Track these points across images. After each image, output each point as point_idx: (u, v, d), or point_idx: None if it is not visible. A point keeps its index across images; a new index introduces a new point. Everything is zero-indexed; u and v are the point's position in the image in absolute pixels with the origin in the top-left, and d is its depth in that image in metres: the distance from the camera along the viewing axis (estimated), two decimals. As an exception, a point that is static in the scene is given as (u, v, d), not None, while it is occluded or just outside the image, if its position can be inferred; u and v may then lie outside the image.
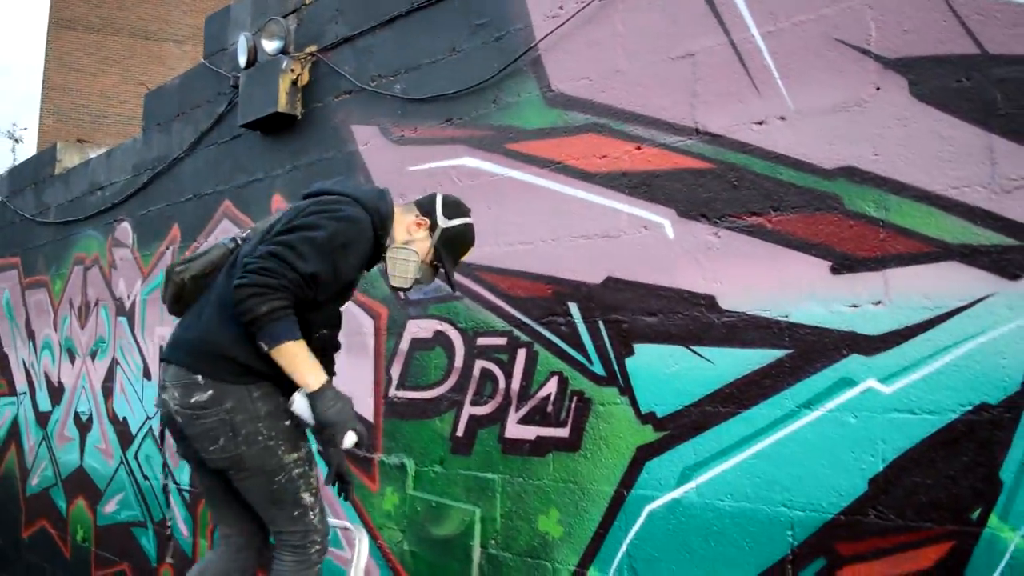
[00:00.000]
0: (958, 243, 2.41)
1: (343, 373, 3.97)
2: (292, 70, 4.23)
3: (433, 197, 2.84)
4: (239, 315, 2.40)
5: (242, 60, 4.43)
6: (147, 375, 5.58)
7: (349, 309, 3.94)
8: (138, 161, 5.83)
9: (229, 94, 4.80)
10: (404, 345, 3.78)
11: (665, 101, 2.97)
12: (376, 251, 2.70)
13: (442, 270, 2.85)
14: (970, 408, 2.37)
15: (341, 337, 3.98)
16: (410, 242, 2.73)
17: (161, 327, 5.38)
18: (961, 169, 2.41)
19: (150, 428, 5.49)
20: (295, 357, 2.46)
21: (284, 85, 4.22)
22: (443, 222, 2.78)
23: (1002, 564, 2.32)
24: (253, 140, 4.67)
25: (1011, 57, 2.35)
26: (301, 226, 2.49)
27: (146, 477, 5.57)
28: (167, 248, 5.42)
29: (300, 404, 2.51)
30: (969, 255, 2.39)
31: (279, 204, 4.42)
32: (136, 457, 5.64)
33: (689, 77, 2.93)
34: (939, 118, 2.45)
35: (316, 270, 2.45)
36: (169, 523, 5.29)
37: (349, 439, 2.53)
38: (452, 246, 2.81)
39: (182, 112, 5.40)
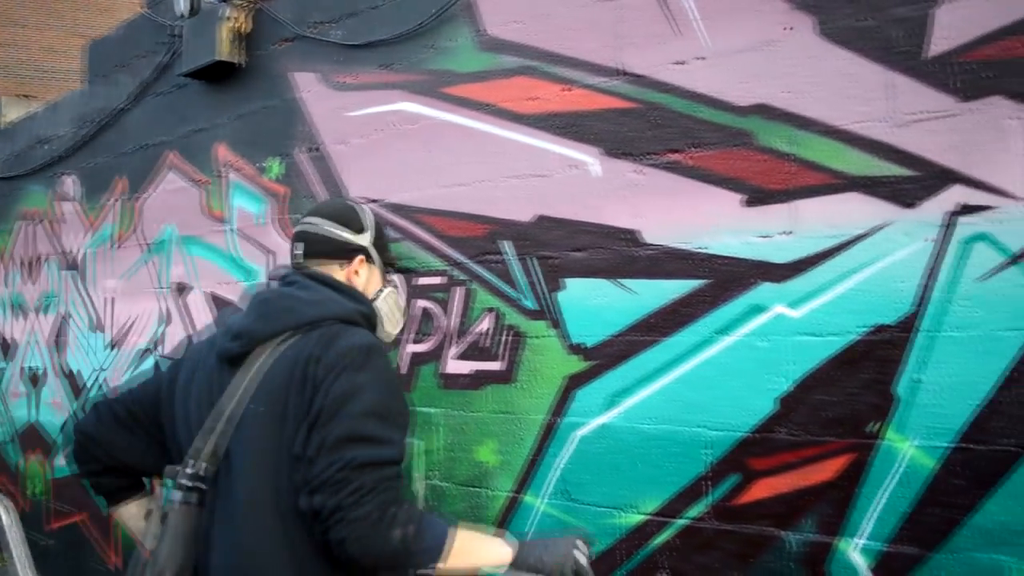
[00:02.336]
0: (860, 175, 2.56)
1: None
2: (233, 18, 4.26)
3: (324, 233, 2.18)
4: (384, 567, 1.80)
5: (183, 9, 4.45)
6: (98, 328, 5.62)
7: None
8: (83, 113, 5.81)
9: (171, 44, 4.81)
10: (347, 287, 3.86)
11: (592, 44, 3.08)
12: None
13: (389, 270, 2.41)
14: (869, 329, 2.54)
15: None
16: (371, 292, 2.24)
17: (109, 279, 5.42)
18: (864, 105, 2.56)
19: (104, 379, 5.53)
20: (468, 550, 1.87)
21: (226, 33, 4.24)
22: (366, 240, 2.23)
23: (897, 471, 2.51)
24: (196, 90, 4.69)
25: (909, -3, 2.49)
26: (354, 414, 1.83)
27: (98, 427, 5.62)
28: (114, 201, 5.43)
29: None
30: (870, 186, 2.54)
31: (223, 154, 4.47)
32: (84, 408, 5.70)
33: (615, 20, 3.03)
34: (845, 56, 2.59)
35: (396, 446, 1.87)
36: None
37: (580, 558, 2.04)
38: (383, 248, 2.34)
39: (125, 63, 5.39)
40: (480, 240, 3.36)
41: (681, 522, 2.88)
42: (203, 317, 4.60)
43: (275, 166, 4.17)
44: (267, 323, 1.95)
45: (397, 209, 3.63)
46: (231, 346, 1.96)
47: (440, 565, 1.78)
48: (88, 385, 5.72)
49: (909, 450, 2.49)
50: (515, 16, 3.27)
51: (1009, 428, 2.34)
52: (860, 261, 2.56)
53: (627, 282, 2.98)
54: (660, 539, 2.93)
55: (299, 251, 2.15)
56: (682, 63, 2.88)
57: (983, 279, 2.38)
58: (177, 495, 1.86)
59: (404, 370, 3.65)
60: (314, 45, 4.00)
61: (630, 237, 2.97)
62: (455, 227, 3.45)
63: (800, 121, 2.65)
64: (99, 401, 2.28)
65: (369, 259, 2.21)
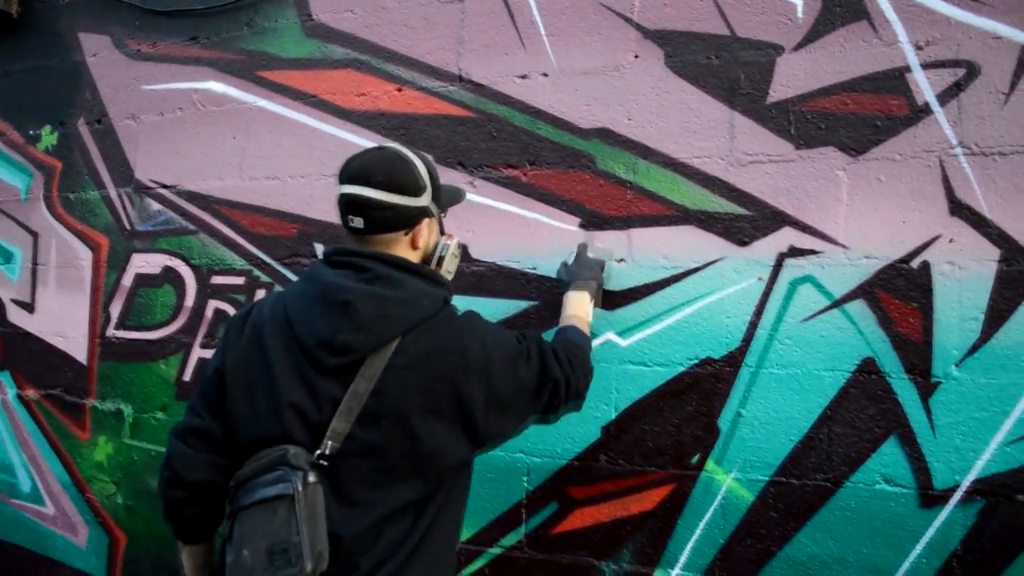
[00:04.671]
0: (697, 209, 2.58)
1: (51, 308, 3.59)
2: (4, -39, 3.71)
3: (386, 204, 1.92)
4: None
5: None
6: None
7: (62, 238, 3.57)
8: None
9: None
10: (127, 281, 3.45)
11: (431, 44, 2.92)
12: None
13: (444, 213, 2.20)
14: (696, 362, 2.57)
15: (52, 269, 3.61)
16: (431, 245, 2.08)
17: None
18: (705, 140, 2.59)
19: None
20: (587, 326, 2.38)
21: (-7, -23, 3.68)
22: (427, 199, 2.00)
23: (715, 503, 2.55)
24: (-50, 37, 4.05)
25: (756, 41, 2.55)
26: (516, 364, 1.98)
27: None
28: None
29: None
30: (706, 221, 2.57)
31: (-20, 114, 3.87)
32: None
33: (457, 23, 2.90)
34: (690, 91, 2.61)
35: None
36: None
37: (590, 250, 2.62)
38: (439, 197, 2.10)
39: None
40: (291, 240, 3.10)
41: (495, 550, 2.79)
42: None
43: (48, 136, 3.66)
44: (368, 335, 1.82)
45: (194, 198, 3.28)
46: (330, 360, 1.82)
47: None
48: None
49: (728, 482, 2.54)
50: (348, 4, 3.05)
51: (823, 464, 2.44)
52: (691, 294, 2.58)
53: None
54: (471, 569, 2.82)
55: (358, 224, 1.91)
56: (525, 77, 2.79)
57: (806, 320, 2.47)
58: (312, 476, 1.77)
59: (189, 377, 3.31)
60: (108, 4, 3.54)
61: (459, 251, 2.84)
62: (262, 224, 3.17)
63: (641, 149, 2.64)
64: (184, 432, 1.96)
65: (431, 216, 2.02)
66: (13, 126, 3.75)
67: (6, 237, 3.74)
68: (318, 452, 1.79)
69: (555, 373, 2.01)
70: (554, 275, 2.69)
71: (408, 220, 1.95)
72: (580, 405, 2.19)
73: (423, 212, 1.97)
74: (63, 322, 3.56)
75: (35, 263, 3.66)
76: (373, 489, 1.82)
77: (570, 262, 2.55)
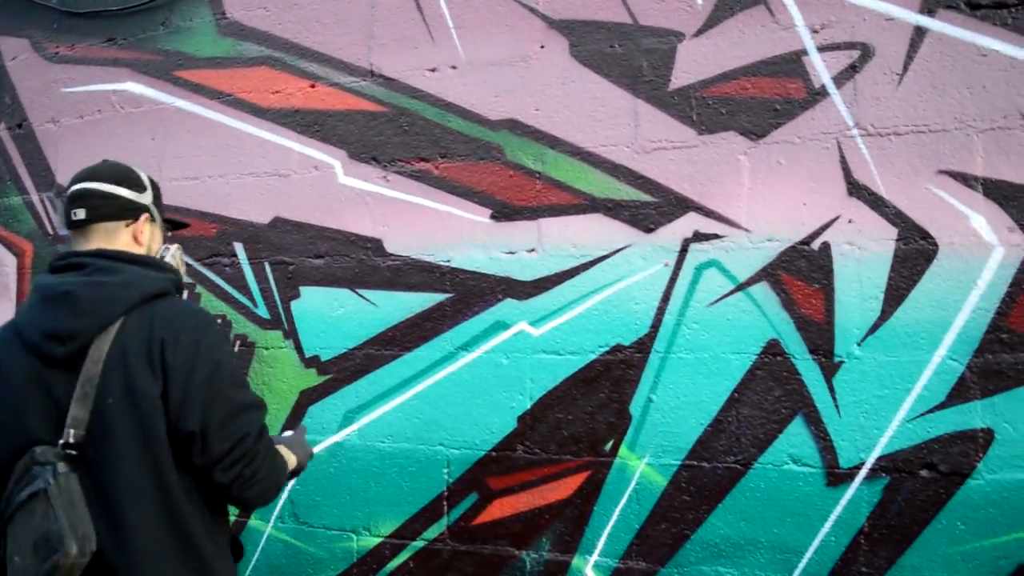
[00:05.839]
0: (604, 197, 2.59)
1: (-24, 314, 3.56)
2: (-78, -34, 3.66)
3: (108, 194, 2.02)
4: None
5: None
6: None
7: (-13, 244, 3.53)
8: None
9: None
10: (52, 285, 3.42)
11: (342, 40, 2.92)
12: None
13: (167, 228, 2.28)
14: (607, 349, 2.58)
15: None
16: (156, 249, 2.12)
17: None
18: (610, 129, 2.60)
19: None
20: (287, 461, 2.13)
21: (-89, -18, 3.64)
22: (148, 199, 2.06)
23: (630, 488, 2.57)
24: None
25: (657, 29, 2.56)
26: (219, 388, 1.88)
27: None
28: None
29: None
30: (613, 208, 2.58)
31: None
32: None
33: (368, 18, 2.89)
34: (594, 80, 2.62)
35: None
36: None
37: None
38: (162, 206, 2.18)
39: None
40: (210, 240, 3.08)
41: (418, 544, 2.79)
42: None
43: (-32, 142, 3.63)
44: (91, 318, 1.84)
45: (116, 201, 3.26)
46: (58, 350, 1.83)
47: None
48: None
49: (641, 468, 2.55)
50: (260, 1, 3.04)
51: (732, 446, 2.46)
52: (600, 282, 2.60)
53: (367, 293, 2.84)
54: (396, 562, 2.82)
55: (80, 215, 1.95)
56: (435, 70, 2.80)
57: (712, 304, 2.48)
58: (62, 467, 1.78)
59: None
60: (24, 7, 3.51)
61: (372, 246, 2.84)
62: (182, 225, 3.14)
63: (549, 139, 2.65)
64: None
65: (152, 218, 2.06)
66: (-66, 133, 3.72)
67: (-70, 245, 3.71)
68: (61, 442, 1.79)
69: (251, 428, 1.89)
70: (469, 267, 2.70)
71: (129, 211, 2.00)
72: (248, 499, 1.92)
73: (144, 208, 2.02)
74: (-10, 329, 3.53)
75: (-39, 271, 3.63)
76: (124, 470, 1.80)
77: (285, 434, 2.35)
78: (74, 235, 1.99)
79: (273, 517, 2.98)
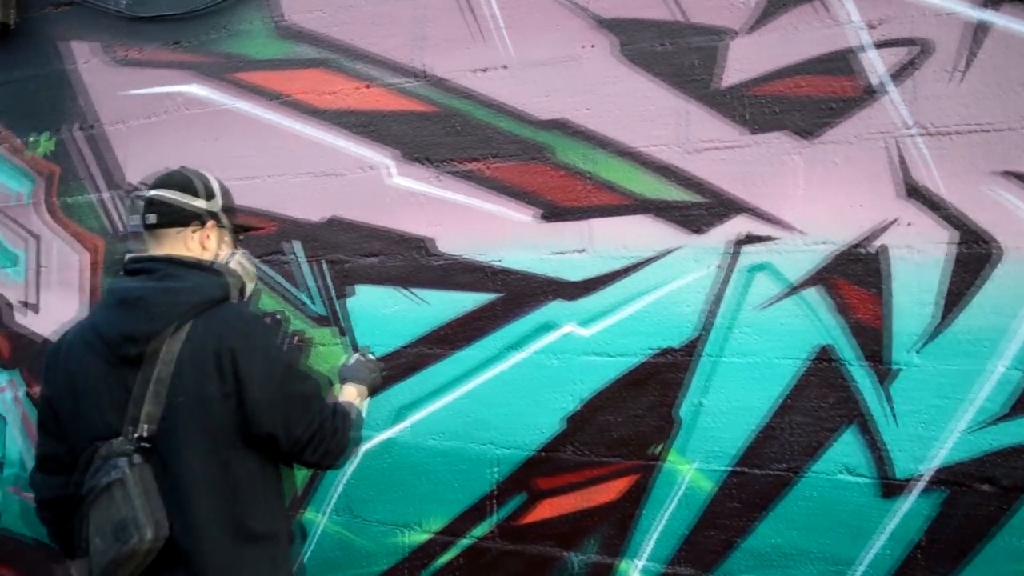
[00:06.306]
0: (653, 198, 2.56)
1: (53, 309, 3.71)
2: (3, -28, 3.81)
3: (176, 202, 2.14)
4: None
5: (-57, -43, 3.93)
6: None
7: (62, 241, 3.67)
8: None
9: (-70, -5, 4.26)
10: (122, 281, 3.54)
11: (394, 41, 2.93)
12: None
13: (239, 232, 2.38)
14: (656, 351, 2.55)
15: (53, 271, 3.72)
16: (223, 255, 2.22)
17: None
18: (660, 128, 2.56)
19: None
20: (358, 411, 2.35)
21: (-7, -11, 3.79)
22: (216, 206, 2.19)
23: (678, 493, 2.54)
24: (-42, 49, 4.18)
25: (707, 27, 2.50)
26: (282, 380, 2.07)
27: None
28: None
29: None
30: (661, 209, 2.55)
31: (-13, 122, 4.00)
32: None
33: (419, 19, 2.90)
34: (643, 79, 2.58)
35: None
36: None
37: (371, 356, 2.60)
38: (231, 212, 2.28)
39: None
40: (268, 239, 3.14)
41: (466, 541, 2.81)
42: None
43: (45, 142, 3.76)
44: (161, 322, 1.99)
45: (180, 199, 3.35)
46: (132, 350, 1.99)
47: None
48: None
49: (689, 473, 2.52)
50: (317, 4, 3.07)
51: (783, 453, 2.41)
52: (650, 283, 2.56)
53: (419, 292, 2.86)
54: (444, 559, 2.85)
55: (152, 220, 2.12)
56: (485, 70, 2.79)
57: (762, 308, 2.43)
58: (137, 458, 1.94)
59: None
60: (95, 12, 3.62)
61: (423, 245, 2.86)
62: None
63: (598, 140, 2.63)
64: (38, 460, 2.15)
65: (220, 224, 2.21)
66: (14, 133, 3.87)
67: (11, 241, 3.87)
68: (136, 435, 1.95)
69: (327, 412, 2.11)
70: (518, 267, 2.70)
71: (196, 218, 2.14)
72: (333, 463, 2.17)
73: (211, 215, 2.16)
74: (64, 322, 3.67)
75: (38, 265, 3.78)
76: (194, 463, 1.96)
77: (350, 362, 2.51)
78: (147, 236, 2.14)
79: (327, 510, 3.04)
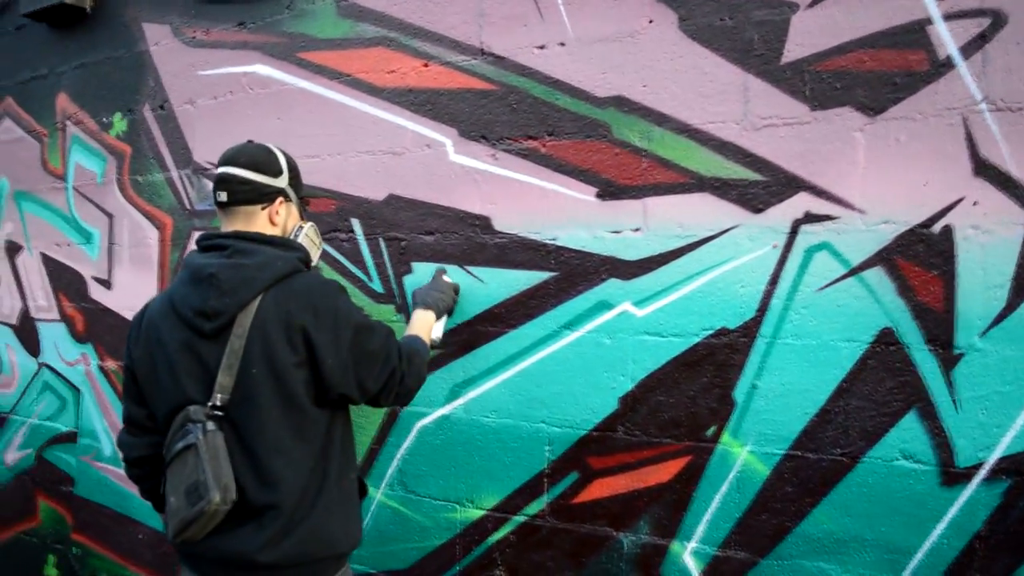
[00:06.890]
0: (711, 176, 2.52)
1: (126, 284, 3.82)
2: (80, -42, 3.92)
3: (246, 179, 2.23)
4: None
5: (25, -57, 4.07)
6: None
7: (133, 219, 3.78)
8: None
9: (13, -20, 4.42)
10: (190, 257, 3.63)
11: (454, 19, 2.94)
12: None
13: (306, 205, 2.53)
14: (711, 332, 2.52)
15: (126, 248, 3.84)
16: (291, 228, 2.35)
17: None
18: (719, 105, 2.51)
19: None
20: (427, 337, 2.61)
21: (71, -26, 3.91)
22: (284, 182, 2.30)
23: (731, 476, 2.51)
24: (39, 33, 4.32)
25: (769, 0, 2.45)
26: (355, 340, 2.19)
27: None
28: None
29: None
30: (720, 188, 2.50)
31: (64, 105, 4.13)
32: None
33: (478, -4, 2.90)
34: (703, 54, 2.54)
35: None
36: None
37: (447, 279, 2.87)
38: (299, 186, 2.40)
39: (-37, -3, 4.92)
40: (329, 216, 3.19)
41: (519, 519, 2.82)
42: (35, 279, 4.27)
43: (119, 122, 3.88)
44: (232, 297, 2.10)
45: (246, 178, 3.41)
46: (206, 325, 2.11)
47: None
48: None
49: (744, 455, 2.49)
50: (377, -17, 3.10)
51: (839, 438, 2.36)
52: (706, 263, 2.53)
53: (475, 270, 2.87)
54: (497, 536, 2.86)
55: (223, 197, 2.23)
56: (543, 47, 2.78)
57: (822, 289, 2.38)
58: (210, 425, 2.08)
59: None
60: (165, -5, 3.72)
61: (481, 223, 2.86)
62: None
63: (656, 116, 2.59)
64: (124, 422, 2.33)
65: (287, 199, 2.32)
66: (89, 114, 3.99)
67: (86, 218, 4.00)
68: (210, 404, 2.09)
69: (394, 360, 2.25)
70: (574, 246, 2.69)
71: (264, 195, 2.25)
72: (406, 402, 2.39)
73: (279, 192, 2.28)
74: (136, 297, 3.79)
75: (111, 242, 3.90)
76: (268, 427, 2.10)
77: (425, 285, 2.69)
78: (219, 213, 2.27)
79: (383, 485, 3.08)
